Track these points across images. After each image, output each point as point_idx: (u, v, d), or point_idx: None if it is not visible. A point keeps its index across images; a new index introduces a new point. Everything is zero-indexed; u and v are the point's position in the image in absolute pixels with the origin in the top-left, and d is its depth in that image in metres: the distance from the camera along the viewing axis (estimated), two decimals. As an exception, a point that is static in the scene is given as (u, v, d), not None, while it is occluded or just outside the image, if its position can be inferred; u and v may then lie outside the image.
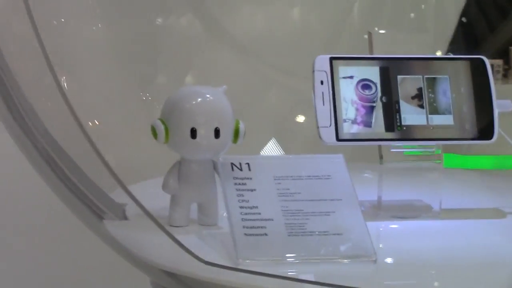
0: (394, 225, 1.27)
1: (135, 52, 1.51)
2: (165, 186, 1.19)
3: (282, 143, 1.50)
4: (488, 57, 2.59)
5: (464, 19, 1.89)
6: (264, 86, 1.64)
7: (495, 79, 2.60)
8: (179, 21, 1.58)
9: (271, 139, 1.51)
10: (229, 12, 1.62)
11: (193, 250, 1.09)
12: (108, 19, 1.50)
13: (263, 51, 1.63)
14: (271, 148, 1.49)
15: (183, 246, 1.04)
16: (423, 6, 1.77)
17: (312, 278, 1.07)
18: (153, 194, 1.20)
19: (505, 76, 2.63)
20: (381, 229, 1.26)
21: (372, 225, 1.24)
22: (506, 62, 2.63)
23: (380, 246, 1.21)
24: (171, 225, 1.19)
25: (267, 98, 1.64)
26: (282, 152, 1.50)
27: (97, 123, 1.37)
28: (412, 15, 1.74)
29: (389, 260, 1.18)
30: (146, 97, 1.50)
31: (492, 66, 2.63)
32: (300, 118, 1.59)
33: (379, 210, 1.28)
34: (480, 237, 1.25)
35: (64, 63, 1.41)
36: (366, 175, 1.31)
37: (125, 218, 1.22)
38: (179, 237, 1.15)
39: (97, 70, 1.49)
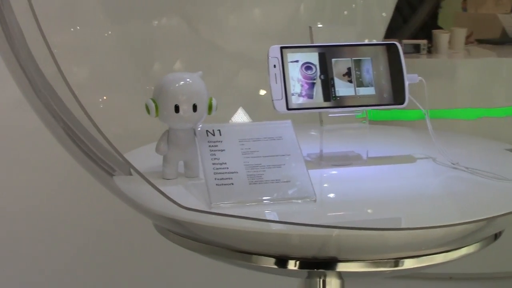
0: (333, 172, 1.24)
1: (137, 48, 1.47)
2: (157, 149, 1.16)
3: (249, 111, 1.47)
4: (416, 38, 2.56)
5: (384, 14, 1.84)
6: (236, 69, 1.60)
7: (422, 54, 2.58)
8: (169, 22, 1.54)
9: (240, 108, 1.47)
10: (207, 14, 1.57)
11: (179, 198, 1.06)
12: (117, 27, 1.45)
13: (235, 42, 1.59)
14: (241, 116, 1.46)
15: (166, 195, 1.00)
16: (353, 5, 1.72)
17: (269, 217, 1.04)
18: (153, 155, 1.17)
19: (429, 52, 2.60)
20: (324, 175, 1.22)
21: (316, 171, 1.22)
22: (430, 42, 2.60)
23: (325, 185, 1.20)
24: (164, 178, 1.16)
25: (238, 78, 1.60)
26: (249, 119, 1.47)
27: (105, 98, 1.34)
28: (345, 12, 1.69)
29: (330, 197, 1.16)
30: (145, 82, 1.46)
31: (419, 45, 2.63)
32: (262, 92, 1.57)
33: (321, 160, 1.25)
34: (396, 178, 1.23)
35: (86, 60, 1.38)
36: (312, 133, 1.27)
37: (130, 174, 1.19)
38: (169, 187, 1.12)
39: (110, 63, 1.45)
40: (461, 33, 2.72)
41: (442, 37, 2.64)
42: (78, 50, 1.33)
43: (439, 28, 2.82)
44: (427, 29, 2.74)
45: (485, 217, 1.04)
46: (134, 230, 1.57)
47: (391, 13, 1.89)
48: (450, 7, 3.13)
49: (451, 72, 2.49)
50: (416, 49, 2.59)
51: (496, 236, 1.16)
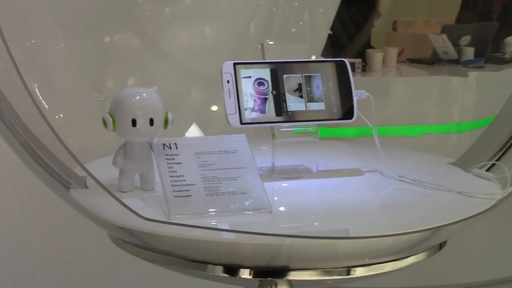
0: (284, 184, 1.26)
1: (90, 64, 1.47)
2: (114, 163, 1.16)
3: (202, 126, 1.48)
4: (351, 57, 2.62)
5: (330, 32, 1.89)
6: (188, 85, 1.61)
7: (357, 73, 2.65)
8: (121, 38, 1.55)
9: (194, 124, 1.48)
10: (159, 30, 1.58)
11: (136, 210, 1.06)
12: (69, 39, 1.45)
13: (186, 59, 1.61)
14: (194, 131, 1.47)
15: (127, 207, 1.01)
16: (301, 23, 1.76)
17: (226, 227, 1.06)
18: (106, 169, 1.17)
19: (363, 70, 2.66)
20: (275, 187, 1.24)
21: (268, 184, 1.23)
22: (364, 61, 2.66)
23: (275, 199, 1.21)
24: (120, 191, 1.16)
25: (190, 94, 1.62)
26: (202, 134, 1.48)
27: (62, 116, 1.33)
28: (293, 29, 1.73)
29: (282, 209, 1.17)
30: (99, 97, 1.46)
31: (354, 63, 2.69)
32: (214, 108, 1.58)
33: (273, 173, 1.27)
34: (346, 190, 1.26)
35: (38, 74, 1.36)
36: (263, 147, 1.29)
37: (86, 187, 1.18)
38: (126, 200, 1.12)
39: (63, 78, 1.44)
40: (393, 52, 2.78)
41: (376, 56, 2.70)
42: (29, 63, 1.32)
43: (371, 47, 2.89)
44: (362, 49, 2.80)
45: (431, 226, 1.08)
46: (89, 240, 1.57)
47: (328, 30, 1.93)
48: (381, 27, 3.20)
49: (386, 90, 2.55)
50: (351, 67, 2.64)
51: (441, 246, 1.20)
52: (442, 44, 2.80)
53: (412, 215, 1.14)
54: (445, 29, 2.84)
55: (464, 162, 1.38)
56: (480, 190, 1.21)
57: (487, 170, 1.32)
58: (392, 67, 2.74)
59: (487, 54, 2.67)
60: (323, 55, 2.14)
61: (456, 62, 2.68)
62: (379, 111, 2.21)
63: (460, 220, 1.09)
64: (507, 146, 1.33)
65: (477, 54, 2.67)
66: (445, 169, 1.40)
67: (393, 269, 1.10)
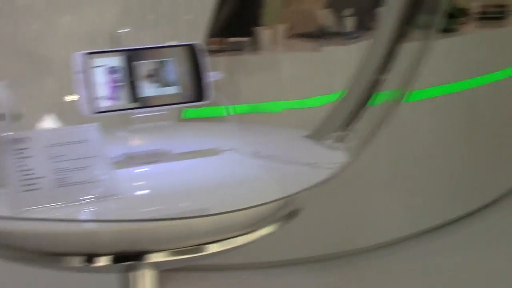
0: (144, 169, 1.27)
1: None
2: None
3: (56, 118, 1.47)
4: (240, 36, 2.60)
5: (190, 16, 1.90)
6: (40, 77, 1.59)
7: (245, 51, 2.64)
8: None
9: (46, 116, 1.46)
10: (7, 20, 1.55)
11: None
12: None
13: (37, 50, 1.58)
14: (47, 123, 1.45)
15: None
16: (159, 9, 1.76)
17: (82, 217, 1.06)
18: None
19: (253, 49, 2.67)
20: (135, 172, 1.25)
21: (126, 170, 1.24)
22: (254, 39, 2.67)
23: (133, 184, 1.22)
24: None
25: (42, 86, 1.60)
26: (58, 126, 1.46)
27: None
28: (151, 16, 1.73)
29: (139, 193, 1.19)
30: None
31: (242, 42, 2.67)
32: (68, 99, 1.56)
33: (131, 159, 1.27)
34: (203, 170, 1.28)
35: None
36: (120, 134, 1.30)
37: None
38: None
39: None
40: (281, 29, 2.82)
41: (264, 34, 2.74)
42: None
43: (262, 25, 2.91)
44: (249, 27, 2.82)
45: (277, 198, 1.13)
46: None
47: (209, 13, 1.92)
48: (272, 5, 3.23)
49: (273, 66, 2.58)
50: (240, 46, 2.66)
51: (291, 216, 1.24)
52: (327, 18, 2.85)
53: (263, 188, 1.18)
54: (329, 4, 2.91)
55: (318, 134, 1.42)
56: (329, 160, 1.26)
57: (338, 141, 1.36)
58: (282, 44, 2.78)
59: (366, 26, 2.74)
60: (212, 36, 2.15)
61: (340, 35, 2.75)
62: (267, 88, 2.22)
63: (304, 190, 1.13)
64: (356, 118, 1.38)
65: (359, 26, 2.74)
66: (299, 142, 1.44)
67: (245, 242, 1.14)
